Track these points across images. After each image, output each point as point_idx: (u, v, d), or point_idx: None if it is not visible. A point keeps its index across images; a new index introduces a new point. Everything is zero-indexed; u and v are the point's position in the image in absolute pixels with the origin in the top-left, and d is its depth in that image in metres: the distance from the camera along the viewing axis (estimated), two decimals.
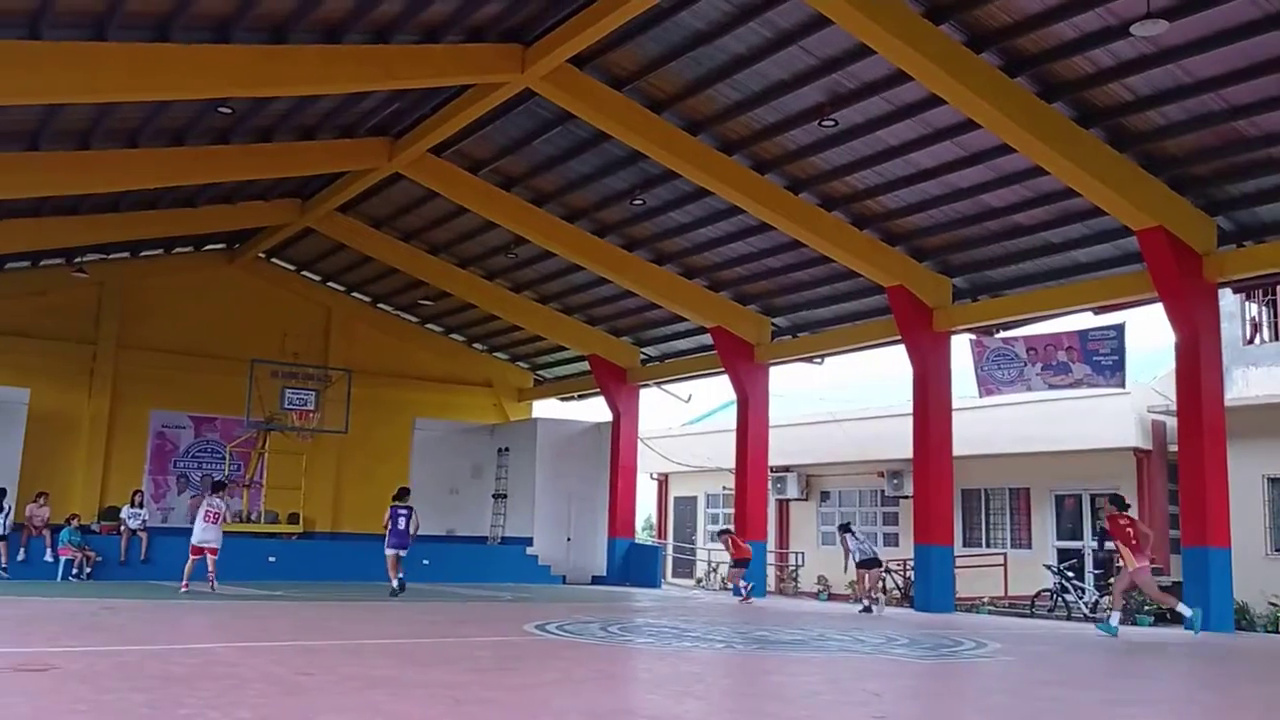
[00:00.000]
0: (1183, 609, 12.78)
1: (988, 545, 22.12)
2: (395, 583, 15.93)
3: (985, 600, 19.62)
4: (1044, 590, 18.78)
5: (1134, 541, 12.67)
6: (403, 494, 16.99)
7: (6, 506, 18.32)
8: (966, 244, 17.04)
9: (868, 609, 16.28)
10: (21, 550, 18.46)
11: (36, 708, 5.43)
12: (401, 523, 16.28)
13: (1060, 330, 16.98)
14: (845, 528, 17.76)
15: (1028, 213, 15.76)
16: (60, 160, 16.06)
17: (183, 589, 14.87)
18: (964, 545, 21.61)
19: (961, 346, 18.17)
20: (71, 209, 19.27)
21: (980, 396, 18.25)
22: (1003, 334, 17.67)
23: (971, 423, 19.73)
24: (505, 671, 7.57)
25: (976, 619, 16.61)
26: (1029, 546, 21.43)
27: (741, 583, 19.03)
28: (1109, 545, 15.83)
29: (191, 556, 15.37)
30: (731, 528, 20.68)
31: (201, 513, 15.69)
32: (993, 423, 20.79)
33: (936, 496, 17.46)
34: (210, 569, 15.21)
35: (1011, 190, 15.37)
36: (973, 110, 13.14)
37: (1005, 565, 20.99)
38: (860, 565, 16.94)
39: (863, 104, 14.16)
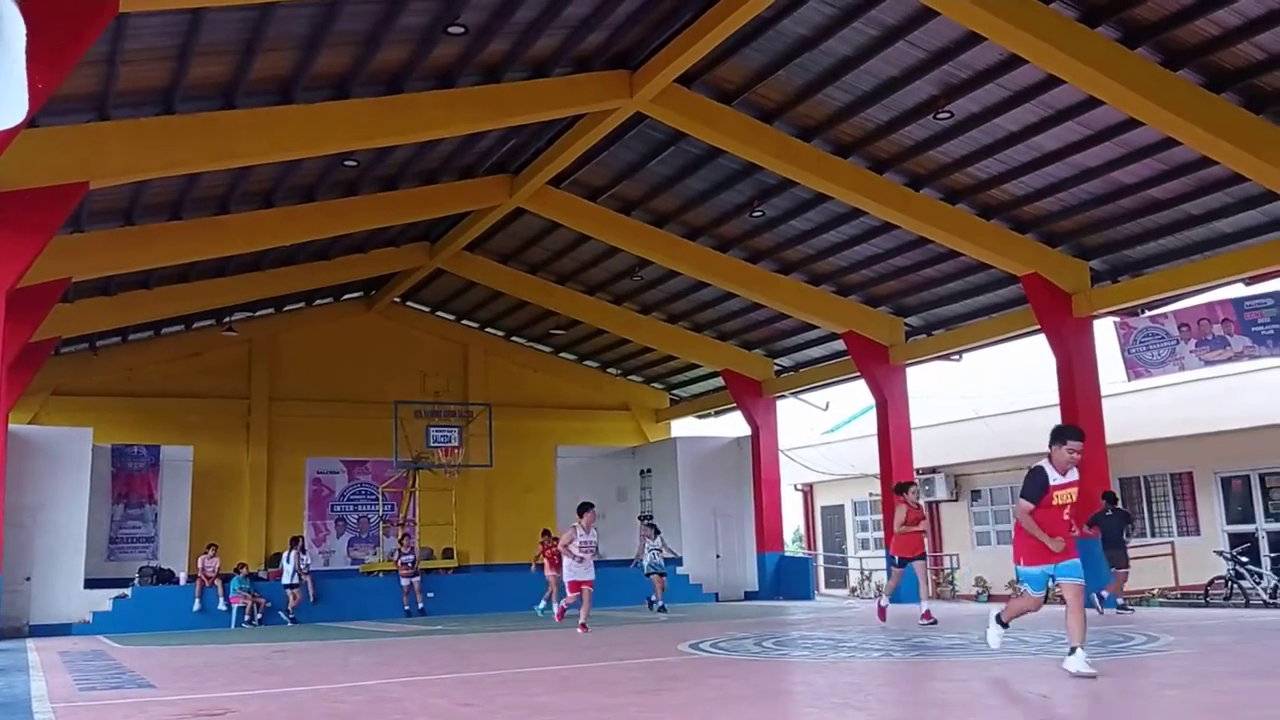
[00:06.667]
0: None
1: (1152, 535, 21.17)
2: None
3: (1154, 592, 18.79)
4: (1218, 578, 17.86)
5: None
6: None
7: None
8: (1101, 224, 16.43)
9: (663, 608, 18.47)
10: (196, 600, 19.48)
11: None
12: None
13: (1214, 301, 16.11)
14: (649, 523, 20.55)
15: (1162, 186, 15.09)
16: (202, 226, 16.97)
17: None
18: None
19: (1106, 330, 17.49)
20: (217, 271, 20.27)
21: (1129, 380, 17.50)
22: (1150, 313, 16.94)
23: (1123, 408, 18.96)
24: (663, 692, 7.59)
25: (1146, 612, 15.90)
26: (1197, 533, 20.41)
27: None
28: None
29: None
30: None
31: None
32: (1146, 407, 19.93)
33: (1092, 488, 16.79)
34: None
35: (1144, 165, 14.75)
36: (1094, 86, 12.67)
37: (1173, 554, 20.07)
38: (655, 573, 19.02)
39: (978, 93, 13.84)
